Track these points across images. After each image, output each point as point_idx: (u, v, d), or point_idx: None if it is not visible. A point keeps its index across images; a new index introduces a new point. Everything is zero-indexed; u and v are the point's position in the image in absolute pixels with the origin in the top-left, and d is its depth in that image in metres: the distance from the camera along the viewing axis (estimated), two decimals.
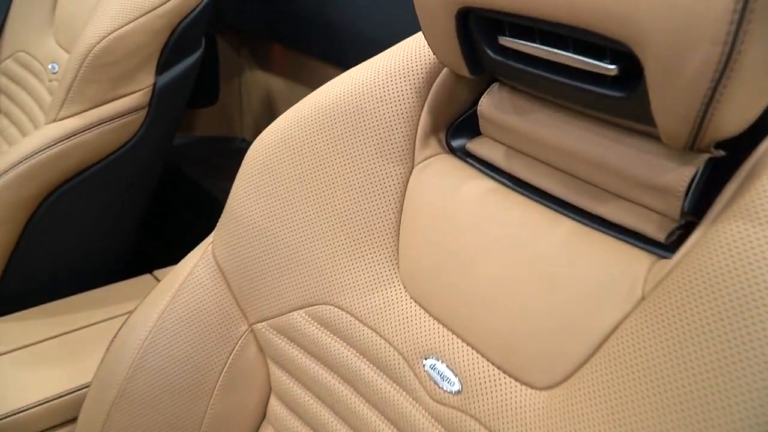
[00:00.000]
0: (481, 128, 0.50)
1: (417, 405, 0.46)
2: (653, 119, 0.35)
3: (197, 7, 0.75)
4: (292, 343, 0.54)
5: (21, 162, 0.70)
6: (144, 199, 0.84)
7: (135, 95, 0.75)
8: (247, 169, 0.57)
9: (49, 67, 0.90)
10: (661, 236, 0.39)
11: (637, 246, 0.40)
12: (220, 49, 1.29)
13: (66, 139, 0.71)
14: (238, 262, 0.56)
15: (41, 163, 0.71)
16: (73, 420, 0.62)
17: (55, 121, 0.74)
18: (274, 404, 0.57)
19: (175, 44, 0.76)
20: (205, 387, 0.56)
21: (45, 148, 0.71)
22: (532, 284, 0.41)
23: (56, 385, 0.63)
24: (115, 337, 0.59)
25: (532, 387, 0.41)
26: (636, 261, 0.38)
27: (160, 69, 0.76)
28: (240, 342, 0.57)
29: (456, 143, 0.52)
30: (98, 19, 0.72)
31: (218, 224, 0.59)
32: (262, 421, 0.59)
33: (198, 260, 0.58)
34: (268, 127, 0.57)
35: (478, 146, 0.50)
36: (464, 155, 0.51)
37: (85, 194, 0.76)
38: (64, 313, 0.71)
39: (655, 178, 0.39)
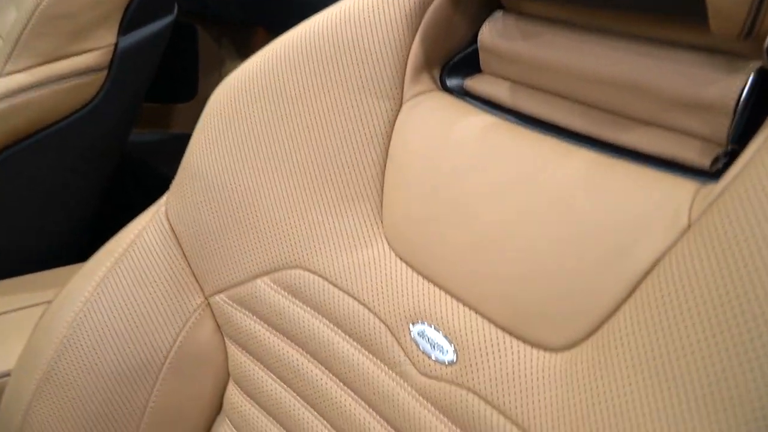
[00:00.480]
0: (481, 63, 0.43)
1: (401, 381, 0.38)
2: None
3: None
4: (254, 317, 0.46)
5: None
6: (104, 173, 0.75)
7: (93, 54, 0.67)
8: (208, 119, 0.49)
9: None
10: (705, 162, 0.32)
11: (675, 175, 0.32)
12: (201, 41, 1.23)
13: (11, 95, 0.63)
14: (194, 224, 0.48)
15: None
16: None
17: (0, 75, 0.65)
18: (232, 393, 0.48)
19: (142, 3, 0.69)
20: (148, 371, 0.47)
21: None
22: (546, 226, 0.33)
23: None
24: (44, 313, 0.50)
25: (547, 349, 0.33)
26: (677, 187, 0.31)
27: (124, 29, 0.68)
28: (193, 317, 0.48)
29: (452, 82, 0.45)
30: None
31: (173, 183, 0.51)
32: (218, 414, 0.50)
33: (147, 223, 0.50)
34: (233, 72, 0.50)
35: (477, 83, 0.43)
36: (461, 94, 0.44)
37: (35, 160, 0.67)
38: None
39: (697, 92, 0.32)
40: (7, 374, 0.53)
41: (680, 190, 0.31)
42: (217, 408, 0.50)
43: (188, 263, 0.49)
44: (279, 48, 0.47)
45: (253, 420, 0.46)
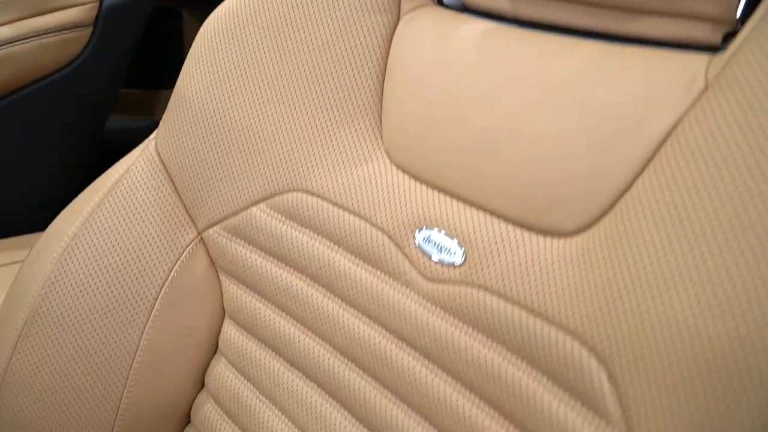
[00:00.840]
0: None
1: (407, 291, 0.36)
2: None
3: None
4: (250, 246, 0.44)
5: None
6: (89, 135, 0.73)
7: (78, 9, 0.65)
8: (200, 47, 0.48)
9: None
10: (716, 39, 0.31)
11: (686, 52, 0.31)
12: (186, 26, 1.22)
13: None
14: (186, 157, 0.46)
15: None
16: None
17: None
18: (228, 330, 0.47)
19: None
20: (139, 308, 0.45)
21: None
22: (553, 113, 0.32)
23: None
24: (29, 254, 0.48)
25: (560, 236, 0.31)
26: (690, 59, 0.30)
27: None
28: (186, 252, 0.46)
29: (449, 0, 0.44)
30: None
31: (163, 117, 0.49)
32: (214, 354, 0.48)
33: (135, 159, 0.48)
34: (225, 1, 0.49)
35: None
36: (460, 9, 0.43)
37: (20, 116, 0.65)
38: None
39: None
40: None
41: (693, 60, 0.30)
42: (213, 348, 0.48)
43: (180, 198, 0.47)
44: None
45: (250, 353, 0.44)
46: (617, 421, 0.26)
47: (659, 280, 0.26)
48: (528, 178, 0.32)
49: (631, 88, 0.30)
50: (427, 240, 0.36)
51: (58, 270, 0.45)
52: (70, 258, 0.45)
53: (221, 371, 0.46)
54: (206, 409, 0.46)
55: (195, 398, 0.48)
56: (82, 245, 0.45)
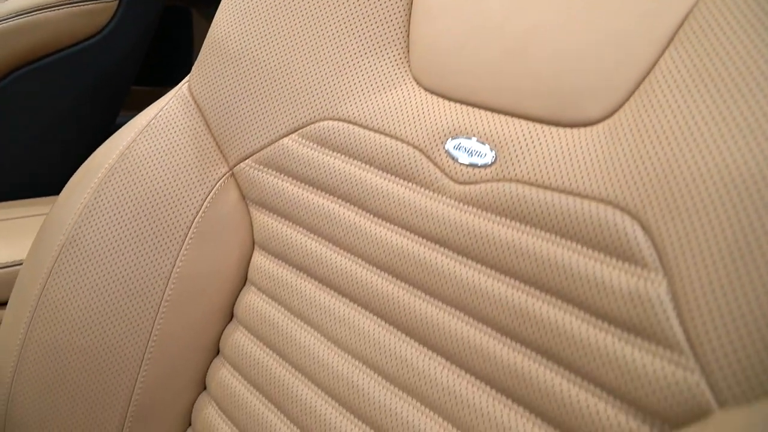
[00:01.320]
0: None
1: (440, 197, 0.38)
2: None
3: None
4: (281, 175, 0.46)
5: None
6: (108, 109, 0.75)
7: None
8: None
9: None
10: None
11: None
12: (195, 24, 1.25)
13: (28, 13, 0.64)
14: (219, 94, 0.49)
15: (4, 31, 0.63)
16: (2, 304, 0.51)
17: None
18: (258, 259, 0.48)
19: None
20: (172, 238, 0.47)
21: (5, 18, 0.63)
22: (577, 8, 0.35)
23: None
24: (65, 186, 0.49)
25: (586, 125, 0.34)
26: None
27: None
28: (217, 186, 0.48)
29: None
30: None
31: (197, 60, 0.51)
32: (243, 286, 0.49)
33: (169, 100, 0.50)
34: None
35: None
36: None
37: (48, 80, 0.67)
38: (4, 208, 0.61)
39: None
40: (20, 263, 0.52)
41: None
42: (242, 280, 0.49)
43: (212, 135, 0.49)
44: None
45: (281, 278, 0.45)
46: (654, 265, 0.27)
47: (687, 133, 0.28)
48: (554, 74, 0.35)
49: None
50: (458, 147, 0.38)
51: (94, 199, 0.47)
52: (107, 188, 0.47)
53: (251, 299, 0.47)
54: (236, 337, 0.47)
55: (224, 329, 0.49)
56: (119, 177, 0.47)
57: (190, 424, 0.50)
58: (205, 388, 0.50)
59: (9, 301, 0.48)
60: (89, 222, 0.46)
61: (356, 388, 0.39)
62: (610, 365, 0.28)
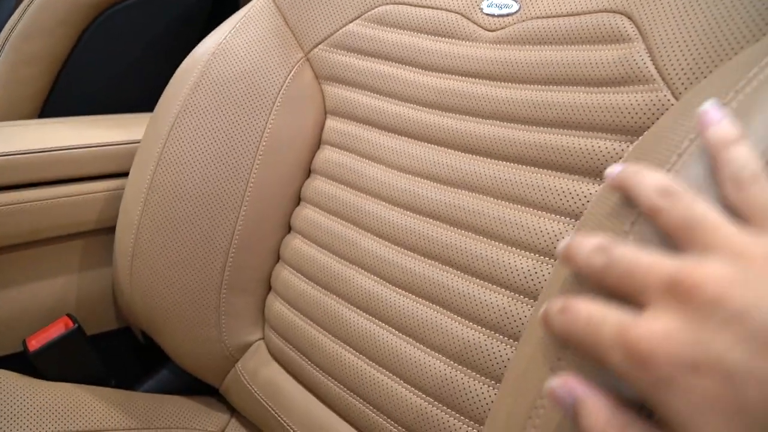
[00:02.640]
0: None
1: (476, 44, 0.50)
2: None
3: None
4: (348, 52, 0.58)
5: None
6: (186, 44, 0.89)
7: None
8: None
9: None
10: None
11: None
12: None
13: None
14: None
15: None
16: (125, 174, 0.63)
17: None
18: (330, 123, 0.60)
19: None
20: (262, 105, 0.59)
21: None
22: None
23: (111, 138, 0.64)
24: (169, 83, 0.62)
25: None
26: None
27: None
28: (295, 68, 0.60)
29: None
30: None
31: None
32: (318, 148, 0.61)
33: (253, 4, 0.63)
34: None
35: None
36: None
37: (137, 17, 0.80)
38: (107, 119, 0.74)
39: None
40: (139, 141, 0.65)
41: None
42: (317, 142, 0.61)
43: (290, 28, 0.61)
44: None
45: (352, 132, 0.57)
46: (635, 37, 0.39)
47: None
48: None
49: None
50: (490, 5, 0.50)
51: (201, 77, 0.59)
52: (210, 69, 0.59)
53: (326, 155, 0.59)
54: (316, 184, 0.59)
55: (303, 183, 0.61)
56: (219, 60, 0.59)
57: (278, 259, 0.62)
58: (290, 230, 0.62)
59: (135, 157, 0.60)
60: (198, 93, 0.58)
61: (416, 195, 0.51)
62: (604, 112, 0.40)
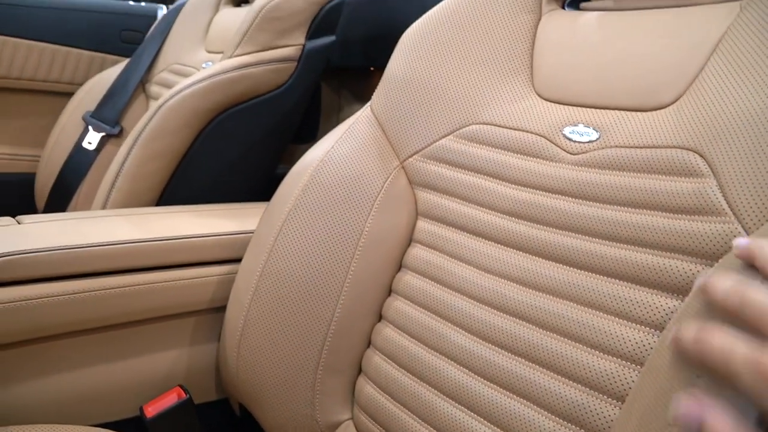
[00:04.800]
0: None
1: (558, 164, 0.57)
2: None
3: None
4: (440, 164, 0.66)
5: (204, 79, 0.87)
6: (282, 140, 0.99)
7: (290, 48, 0.93)
8: (400, 45, 0.73)
9: (204, 65, 1.11)
10: None
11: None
12: (323, 92, 1.50)
13: (239, 68, 0.89)
14: (392, 110, 0.70)
15: (219, 82, 0.88)
16: (237, 260, 0.72)
17: (232, 57, 0.92)
18: (422, 224, 0.67)
19: (322, 19, 0.96)
20: (363, 207, 0.67)
21: (223, 72, 0.89)
22: (649, 43, 0.54)
23: (225, 228, 0.73)
24: (287, 175, 0.71)
25: (660, 108, 0.52)
26: (727, 9, 0.52)
27: (309, 35, 0.96)
28: (392, 174, 0.69)
29: (571, 8, 0.68)
30: None
31: (376, 90, 0.73)
32: (409, 245, 0.69)
33: (358, 116, 0.72)
34: (416, 22, 0.74)
35: (589, 5, 0.66)
36: (577, 8, 0.66)
37: (245, 119, 0.91)
38: (219, 209, 0.83)
39: None
40: (252, 231, 0.73)
41: (733, 4, 0.52)
42: (409, 240, 0.69)
43: (388, 140, 0.70)
44: (450, 1, 0.71)
45: (440, 233, 0.64)
46: (707, 173, 0.45)
47: (723, 104, 0.46)
48: (637, 79, 0.54)
49: (696, 21, 0.52)
50: (572, 132, 0.57)
51: (311, 180, 0.68)
52: (319, 173, 0.68)
53: (416, 252, 0.66)
54: (406, 278, 0.66)
55: (394, 276, 0.68)
56: (326, 166, 0.68)
57: (369, 344, 0.68)
58: (380, 318, 0.68)
59: (249, 246, 0.69)
60: (308, 194, 0.67)
61: (502, 295, 0.57)
62: (680, 237, 0.45)
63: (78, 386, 0.68)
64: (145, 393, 0.69)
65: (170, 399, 0.66)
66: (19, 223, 0.72)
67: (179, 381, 0.71)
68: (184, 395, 0.67)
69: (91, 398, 0.67)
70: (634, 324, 0.48)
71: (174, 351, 0.72)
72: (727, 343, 0.28)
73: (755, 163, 0.43)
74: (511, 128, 0.62)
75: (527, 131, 0.60)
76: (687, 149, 0.48)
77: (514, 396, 0.52)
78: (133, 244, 0.68)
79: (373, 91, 0.75)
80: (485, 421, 0.53)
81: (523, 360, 0.53)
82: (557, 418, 0.49)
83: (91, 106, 1.26)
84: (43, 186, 1.25)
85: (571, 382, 0.49)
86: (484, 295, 0.58)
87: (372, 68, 1.34)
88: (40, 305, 0.63)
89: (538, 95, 0.62)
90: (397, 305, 0.66)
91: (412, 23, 0.75)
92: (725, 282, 0.31)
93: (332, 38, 1.02)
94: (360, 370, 0.68)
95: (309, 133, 1.46)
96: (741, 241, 0.33)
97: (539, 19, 0.66)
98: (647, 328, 0.47)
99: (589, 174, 0.54)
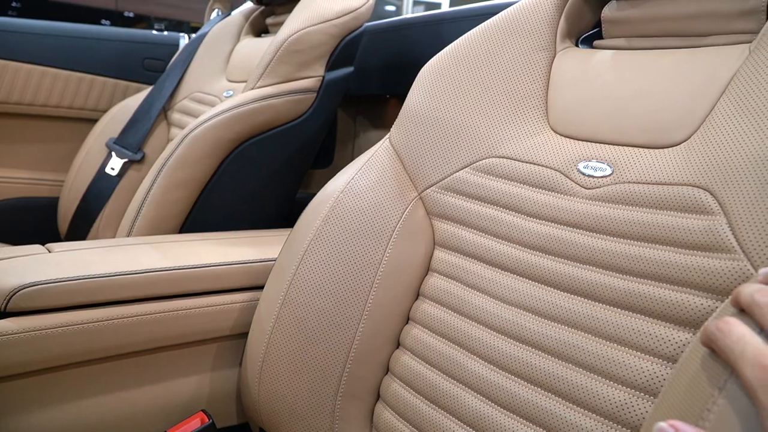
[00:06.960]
0: (603, 32, 0.68)
1: (573, 198, 0.59)
2: None
3: (357, 29, 0.99)
4: (457, 195, 0.68)
5: (228, 110, 0.90)
6: (301, 168, 1.02)
7: (310, 80, 0.96)
8: (418, 80, 0.75)
9: (225, 94, 1.14)
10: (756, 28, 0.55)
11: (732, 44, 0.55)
12: (339, 118, 1.53)
13: (261, 99, 0.92)
14: (410, 143, 0.72)
15: (241, 113, 0.91)
16: (259, 287, 0.74)
17: (254, 88, 0.95)
18: (439, 254, 0.69)
19: (340, 52, 0.99)
20: (382, 237, 0.69)
21: (246, 103, 0.92)
22: (660, 82, 0.56)
23: (248, 256, 0.76)
24: (311, 202, 0.73)
25: (672, 146, 0.54)
26: (739, 46, 0.54)
27: (328, 67, 0.99)
28: (411, 205, 0.71)
29: (584, 46, 0.70)
30: (293, 21, 0.97)
31: (395, 122, 0.76)
32: (426, 274, 0.70)
33: (377, 148, 0.75)
34: (432, 58, 0.77)
35: (602, 43, 0.68)
36: (590, 47, 0.69)
37: (266, 148, 0.94)
38: (242, 236, 0.85)
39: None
40: (273, 259, 0.75)
41: (743, 46, 0.54)
42: (426, 269, 0.70)
43: (406, 171, 0.72)
44: (467, 36, 0.74)
45: (457, 263, 0.66)
46: (717, 211, 0.47)
47: (733, 143, 0.48)
48: (649, 118, 0.56)
49: (706, 62, 0.54)
50: (586, 167, 0.59)
51: (331, 211, 0.70)
52: (339, 204, 0.70)
53: (434, 281, 0.68)
54: (423, 307, 0.68)
55: (412, 304, 0.70)
56: (346, 197, 0.70)
57: (387, 371, 0.69)
58: (398, 346, 0.70)
59: (270, 275, 0.71)
60: (329, 224, 0.69)
61: (518, 325, 0.58)
62: (692, 272, 0.47)
63: (103, 412, 0.70)
64: (169, 418, 0.71)
65: (194, 424, 0.68)
66: (49, 252, 0.75)
67: (202, 406, 0.73)
68: (207, 420, 0.68)
69: (116, 424, 0.69)
70: (647, 356, 0.49)
71: (197, 377, 0.74)
72: (746, 335, 0.31)
73: (763, 203, 0.45)
74: (526, 162, 0.64)
75: (542, 165, 0.62)
76: (698, 187, 0.50)
77: (531, 424, 0.53)
78: (159, 272, 0.70)
79: (388, 117, 0.78)
80: None
81: (540, 389, 0.54)
82: None
83: (115, 132, 1.30)
84: (66, 210, 1.28)
85: (586, 411, 0.51)
86: (501, 325, 0.59)
87: (388, 96, 1.37)
88: (70, 332, 0.66)
89: (553, 130, 0.64)
90: (415, 333, 0.67)
91: (427, 52, 0.77)
92: (753, 285, 0.34)
93: (351, 69, 1.05)
94: (378, 397, 0.69)
95: (325, 158, 1.49)
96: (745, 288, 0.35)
97: (554, 57, 0.68)
98: (660, 360, 0.48)
99: (604, 208, 0.56)
